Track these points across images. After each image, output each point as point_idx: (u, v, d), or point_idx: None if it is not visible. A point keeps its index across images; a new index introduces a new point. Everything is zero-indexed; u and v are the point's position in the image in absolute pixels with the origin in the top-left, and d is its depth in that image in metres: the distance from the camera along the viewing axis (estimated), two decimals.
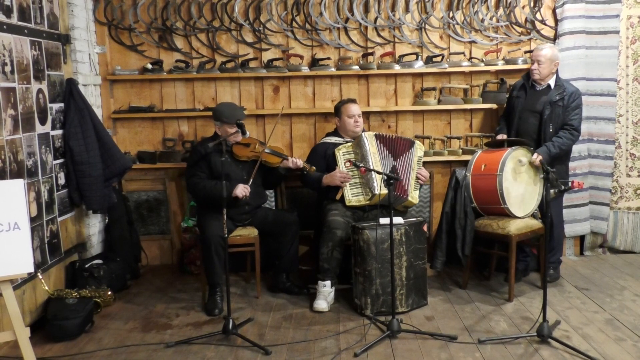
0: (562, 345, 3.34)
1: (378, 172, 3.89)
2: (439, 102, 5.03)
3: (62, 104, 4.24)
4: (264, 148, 4.27)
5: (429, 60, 4.96)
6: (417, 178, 4.35)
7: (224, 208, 3.57)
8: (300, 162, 4.27)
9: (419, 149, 4.39)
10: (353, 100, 4.52)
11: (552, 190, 3.45)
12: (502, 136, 4.55)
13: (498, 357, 3.28)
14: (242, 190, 4.09)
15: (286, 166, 4.29)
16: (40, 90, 3.95)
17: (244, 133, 3.94)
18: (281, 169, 4.33)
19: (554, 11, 4.96)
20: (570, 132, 4.32)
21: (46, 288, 3.78)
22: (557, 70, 4.42)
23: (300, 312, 4.03)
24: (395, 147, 4.30)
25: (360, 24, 4.98)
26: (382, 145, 4.28)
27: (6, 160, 3.49)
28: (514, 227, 4.07)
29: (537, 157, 4.13)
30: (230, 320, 3.54)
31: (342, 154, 4.30)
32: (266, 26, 4.96)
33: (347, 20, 4.97)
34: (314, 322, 3.84)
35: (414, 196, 4.30)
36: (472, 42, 5.03)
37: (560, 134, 4.32)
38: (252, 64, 4.98)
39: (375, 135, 4.31)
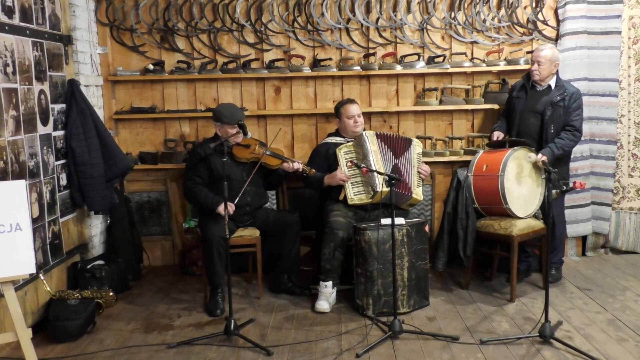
0: (564, 346, 3.34)
1: (380, 173, 3.89)
2: (441, 102, 5.03)
3: (63, 105, 4.25)
4: (264, 150, 4.27)
5: (430, 61, 4.96)
6: (419, 174, 4.37)
7: (225, 209, 3.56)
8: (299, 166, 4.26)
9: (417, 146, 4.42)
10: (351, 101, 4.51)
11: (553, 191, 3.45)
12: (498, 134, 4.55)
13: (500, 357, 3.27)
14: (223, 209, 3.81)
15: (285, 169, 4.29)
16: (42, 91, 3.96)
17: (245, 134, 3.94)
18: (281, 170, 4.33)
19: (555, 12, 4.96)
20: (573, 133, 4.32)
21: (48, 289, 3.78)
22: (557, 71, 4.41)
23: (301, 313, 4.03)
24: (396, 144, 4.32)
25: (361, 25, 4.98)
26: (382, 143, 4.28)
27: (8, 161, 3.49)
28: (515, 228, 4.07)
29: (541, 158, 4.14)
30: (232, 321, 3.54)
31: (343, 154, 4.31)
32: (268, 27, 4.96)
33: (348, 20, 4.97)
34: (316, 323, 3.84)
35: (418, 193, 4.31)
36: (474, 42, 5.03)
37: (562, 135, 4.31)
38: (253, 65, 4.98)
39: (376, 134, 4.32)
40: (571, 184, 3.51)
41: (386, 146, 4.29)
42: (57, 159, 4.14)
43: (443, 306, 4.09)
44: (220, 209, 4.04)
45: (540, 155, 4.16)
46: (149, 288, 4.63)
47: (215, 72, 4.94)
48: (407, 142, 4.38)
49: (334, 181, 4.27)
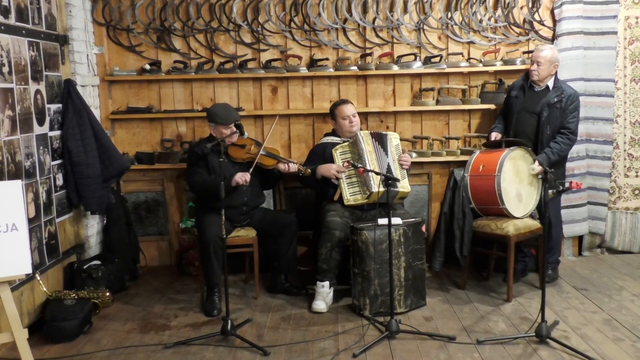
0: (560, 346, 3.35)
1: (376, 173, 3.89)
2: (438, 102, 5.03)
3: (60, 105, 4.24)
4: (259, 149, 4.26)
5: (427, 61, 4.97)
6: (401, 165, 4.33)
7: (222, 209, 3.56)
8: (294, 167, 4.26)
9: (393, 139, 4.39)
10: (345, 101, 4.50)
11: (550, 191, 3.46)
12: (495, 134, 4.55)
13: (497, 357, 3.28)
14: (241, 176, 4.03)
15: (281, 170, 4.28)
16: (38, 91, 3.95)
17: (242, 134, 3.95)
18: (276, 170, 4.32)
19: (552, 12, 4.97)
20: (568, 136, 4.32)
21: (44, 289, 3.77)
22: (556, 72, 4.42)
23: (298, 313, 4.02)
24: (383, 142, 4.30)
25: (358, 25, 4.98)
26: (377, 142, 4.28)
27: (4, 161, 3.48)
28: (512, 228, 4.08)
29: (538, 167, 4.14)
30: (229, 321, 3.54)
31: (339, 154, 4.31)
32: (264, 27, 4.96)
33: (345, 20, 4.97)
34: (313, 323, 3.84)
35: (404, 185, 4.26)
36: (471, 42, 5.03)
37: (557, 139, 4.32)
38: (250, 65, 4.98)
39: (370, 133, 4.32)
40: (567, 184, 3.52)
41: (380, 145, 4.28)
42: (53, 159, 4.13)
43: (440, 306, 4.09)
44: (237, 177, 4.01)
45: (536, 164, 4.15)
46: (146, 288, 4.63)
47: (212, 72, 4.93)
48: (383, 137, 4.35)
49: (327, 173, 4.26)
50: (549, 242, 4.45)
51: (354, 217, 4.26)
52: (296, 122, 5.12)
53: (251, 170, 4.14)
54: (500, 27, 4.99)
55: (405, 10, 4.96)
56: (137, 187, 5.12)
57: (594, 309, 3.97)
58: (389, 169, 4.20)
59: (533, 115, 4.41)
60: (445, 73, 5.04)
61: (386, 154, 4.27)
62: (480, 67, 4.97)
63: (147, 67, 4.91)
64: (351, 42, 5.02)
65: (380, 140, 4.30)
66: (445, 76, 5.09)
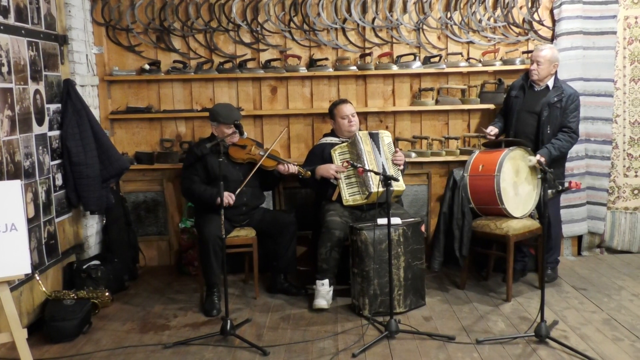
0: (559, 345, 3.35)
1: (376, 173, 3.89)
2: (437, 102, 5.03)
3: (59, 105, 4.24)
4: (259, 151, 4.26)
5: (426, 61, 4.97)
6: (394, 164, 4.31)
7: (221, 209, 3.56)
8: (294, 168, 4.26)
9: (384, 137, 4.37)
10: (344, 101, 4.50)
11: (549, 191, 3.46)
12: (491, 128, 4.53)
13: (496, 357, 3.28)
14: (225, 197, 3.96)
15: (281, 171, 4.28)
16: (37, 91, 3.95)
17: (241, 134, 3.95)
18: (276, 172, 4.32)
19: (551, 12, 4.97)
20: (570, 134, 4.32)
21: (43, 289, 3.77)
22: (556, 72, 4.42)
23: (298, 313, 4.02)
24: (377, 141, 4.30)
25: (358, 25, 4.98)
26: (374, 143, 4.28)
27: (3, 161, 3.48)
28: (511, 228, 4.08)
29: (538, 158, 4.14)
30: (229, 321, 3.54)
31: (338, 154, 4.31)
32: (264, 27, 4.96)
33: (344, 20, 4.97)
34: (312, 323, 3.84)
35: (398, 184, 4.23)
36: (470, 42, 5.03)
37: (559, 137, 4.32)
38: (249, 65, 4.98)
39: (369, 134, 4.31)
40: (567, 184, 3.52)
41: (375, 145, 4.28)
42: (52, 159, 4.12)
43: (439, 306, 4.09)
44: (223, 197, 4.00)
45: (538, 156, 4.16)
46: (145, 288, 4.63)
47: (211, 72, 4.93)
48: (375, 136, 4.33)
49: (326, 173, 4.26)
50: (548, 242, 4.45)
51: (354, 216, 4.26)
52: (295, 122, 5.12)
53: (253, 171, 4.14)
54: (499, 27, 4.99)
55: (404, 10, 4.96)
56: (137, 187, 5.11)
57: (593, 309, 3.97)
58: (383, 169, 4.20)
59: (533, 115, 4.41)
60: (445, 73, 5.04)
61: (379, 152, 4.27)
62: (480, 67, 4.97)
63: (147, 67, 4.91)
64: (350, 42, 5.02)
65: (374, 139, 4.30)
66: (445, 76, 5.09)
